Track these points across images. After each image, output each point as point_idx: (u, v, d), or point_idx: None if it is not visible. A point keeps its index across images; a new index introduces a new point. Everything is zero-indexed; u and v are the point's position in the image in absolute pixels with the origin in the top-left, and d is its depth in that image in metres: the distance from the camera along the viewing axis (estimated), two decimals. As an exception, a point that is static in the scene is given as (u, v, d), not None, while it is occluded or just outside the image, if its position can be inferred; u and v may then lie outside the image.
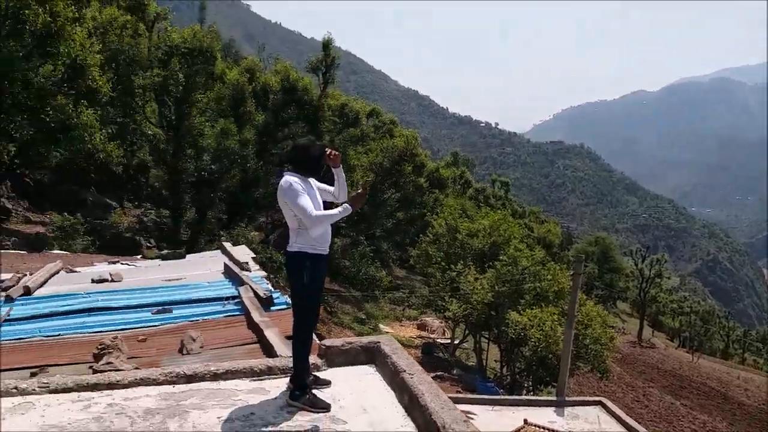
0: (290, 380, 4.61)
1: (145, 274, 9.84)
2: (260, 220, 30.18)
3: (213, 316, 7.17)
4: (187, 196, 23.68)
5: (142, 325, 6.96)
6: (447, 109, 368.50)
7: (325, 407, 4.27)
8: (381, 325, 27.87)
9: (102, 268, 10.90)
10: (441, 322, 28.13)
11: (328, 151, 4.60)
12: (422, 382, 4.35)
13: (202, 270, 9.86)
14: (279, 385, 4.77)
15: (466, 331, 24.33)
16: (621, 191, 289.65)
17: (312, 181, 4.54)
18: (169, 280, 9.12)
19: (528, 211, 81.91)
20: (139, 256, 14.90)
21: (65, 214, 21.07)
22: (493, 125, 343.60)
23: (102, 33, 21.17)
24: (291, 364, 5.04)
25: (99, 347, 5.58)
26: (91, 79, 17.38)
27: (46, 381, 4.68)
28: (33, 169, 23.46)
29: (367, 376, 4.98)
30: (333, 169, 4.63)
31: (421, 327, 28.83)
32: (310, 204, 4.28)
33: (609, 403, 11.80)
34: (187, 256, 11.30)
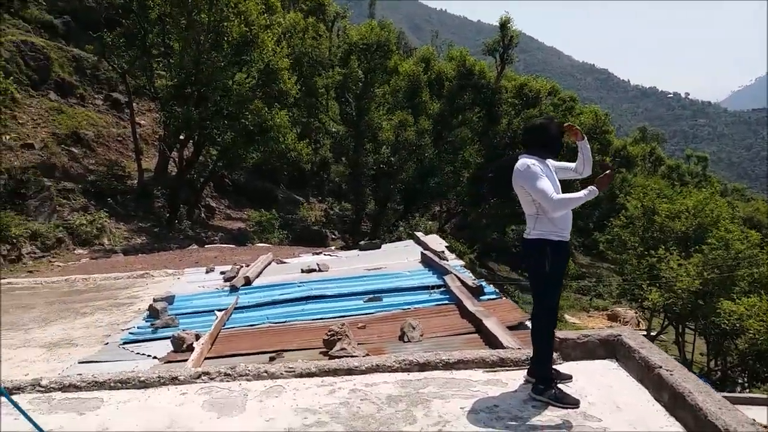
0: (528, 373, 4.37)
1: (348, 264, 10.19)
2: (435, 209, 30.46)
3: (422, 305, 7.16)
4: (367, 189, 24.55)
5: (357, 312, 7.14)
6: (628, 81, 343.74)
7: (573, 403, 3.96)
8: (567, 316, 26.68)
9: (308, 259, 11.51)
10: (636, 313, 26.18)
11: (566, 124, 4.28)
12: (686, 379, 3.86)
13: (399, 259, 9.99)
14: (515, 378, 4.55)
15: (665, 322, 22.39)
16: None
17: (549, 161, 4.24)
18: (371, 269, 9.34)
19: (730, 189, 73.53)
20: (333, 248, 15.69)
21: (262, 210, 22.88)
22: (683, 96, 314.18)
23: (288, 37, 22.60)
24: (522, 356, 4.80)
25: (328, 333, 5.77)
26: (282, 82, 18.61)
27: (291, 366, 4.91)
28: (232, 170, 25.76)
29: (609, 371, 4.58)
30: (578, 143, 4.30)
31: (612, 318, 27.07)
32: (551, 186, 3.98)
33: None
34: (382, 246, 11.59)
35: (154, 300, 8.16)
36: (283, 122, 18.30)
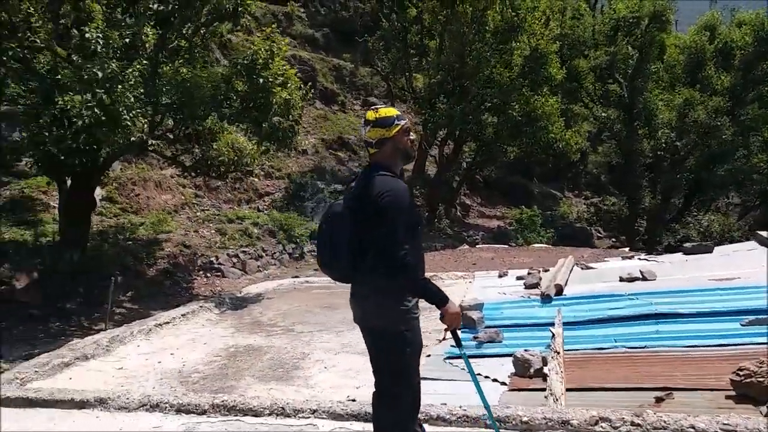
0: None
1: (680, 272, 8.44)
2: (720, 201, 26.22)
3: None
4: (642, 180, 21.87)
5: (741, 340, 5.52)
6: None
7: None
8: None
9: (618, 263, 10.01)
10: None
11: None
12: None
13: (750, 267, 7.98)
14: None
15: None
16: None
17: None
18: (721, 280, 7.53)
19: None
20: (625, 249, 13.89)
21: (523, 207, 21.71)
22: None
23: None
24: None
25: (741, 373, 4.32)
26: (549, 67, 17.26)
27: (727, 422, 3.60)
28: (490, 165, 25.06)
29: None
30: None
31: None
32: None
33: None
34: (715, 249, 9.57)
35: (465, 308, 7.41)
36: (553, 110, 16.94)
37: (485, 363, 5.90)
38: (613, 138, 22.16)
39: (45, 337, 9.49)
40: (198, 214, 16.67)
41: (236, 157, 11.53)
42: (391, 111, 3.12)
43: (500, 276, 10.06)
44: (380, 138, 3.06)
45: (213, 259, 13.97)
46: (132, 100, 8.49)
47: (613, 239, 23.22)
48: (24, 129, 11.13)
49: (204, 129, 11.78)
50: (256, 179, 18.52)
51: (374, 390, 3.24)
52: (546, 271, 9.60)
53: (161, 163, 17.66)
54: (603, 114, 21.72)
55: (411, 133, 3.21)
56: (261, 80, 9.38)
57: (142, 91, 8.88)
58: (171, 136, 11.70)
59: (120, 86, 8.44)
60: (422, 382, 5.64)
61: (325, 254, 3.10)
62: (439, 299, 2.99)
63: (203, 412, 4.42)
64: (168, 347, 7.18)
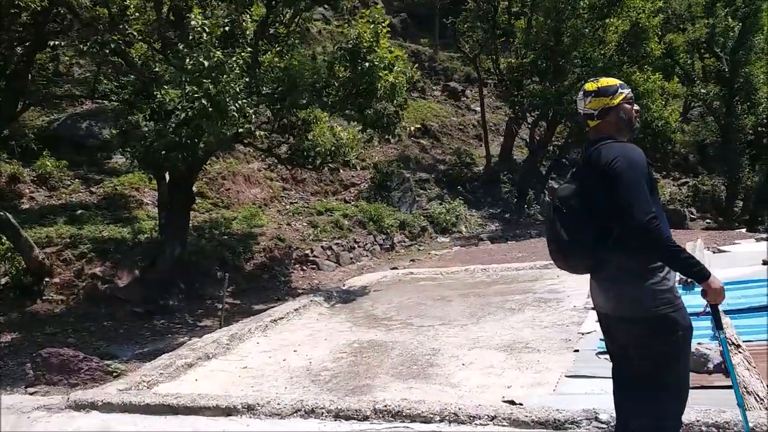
0: None
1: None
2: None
3: None
4: (743, 158, 20.44)
5: None
6: None
7: None
8: None
9: (751, 246, 9.20)
10: None
11: None
12: None
13: None
14: None
15: None
16: None
17: None
18: None
19: None
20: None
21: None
22: None
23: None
24: None
25: None
26: (650, 42, 16.26)
27: None
28: (577, 148, 24.06)
29: None
30: None
31: None
32: None
33: None
34: None
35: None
36: (655, 87, 15.93)
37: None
38: (711, 115, 20.80)
39: (151, 335, 9.41)
40: (287, 207, 16.61)
41: (333, 148, 11.24)
42: (613, 80, 2.91)
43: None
44: (603, 107, 2.85)
45: (308, 251, 13.84)
46: (237, 89, 8.30)
47: (708, 220, 21.92)
48: (116, 125, 11.16)
49: (298, 119, 11.57)
50: (341, 170, 18.32)
51: (617, 389, 2.88)
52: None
53: (248, 157, 17.71)
54: (702, 90, 20.41)
55: (635, 104, 2.94)
56: (366, 64, 9.01)
57: (246, 80, 8.69)
58: (265, 128, 11.53)
59: (225, 76, 8.27)
60: (572, 380, 5.19)
61: (559, 244, 2.82)
62: (698, 270, 2.59)
63: (365, 418, 4.05)
64: (288, 344, 6.88)
